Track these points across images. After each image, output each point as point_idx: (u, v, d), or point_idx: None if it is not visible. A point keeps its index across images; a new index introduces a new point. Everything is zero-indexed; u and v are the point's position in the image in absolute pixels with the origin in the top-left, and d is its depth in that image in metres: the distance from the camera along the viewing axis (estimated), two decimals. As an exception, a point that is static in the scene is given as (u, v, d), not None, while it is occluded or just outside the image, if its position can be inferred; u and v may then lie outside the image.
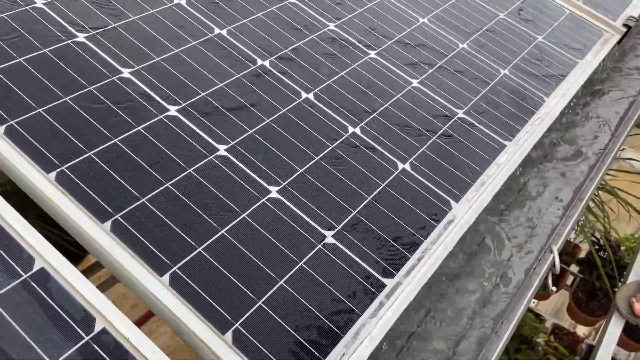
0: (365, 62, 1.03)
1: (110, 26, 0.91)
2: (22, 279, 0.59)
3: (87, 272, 1.38)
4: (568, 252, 2.89)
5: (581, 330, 3.01)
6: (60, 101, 0.77)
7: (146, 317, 1.90)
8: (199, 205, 0.72)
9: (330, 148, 0.86)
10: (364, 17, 1.14)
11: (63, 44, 0.85)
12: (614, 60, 1.43)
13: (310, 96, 0.93)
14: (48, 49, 0.83)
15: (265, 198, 0.76)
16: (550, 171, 1.08)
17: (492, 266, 0.88)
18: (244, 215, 0.73)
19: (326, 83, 0.96)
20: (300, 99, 0.92)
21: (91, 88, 0.80)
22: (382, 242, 0.77)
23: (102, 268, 0.87)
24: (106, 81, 0.82)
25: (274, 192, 0.77)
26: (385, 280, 0.72)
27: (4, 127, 0.71)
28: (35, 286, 0.59)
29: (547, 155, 1.11)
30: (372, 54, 1.06)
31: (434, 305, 0.81)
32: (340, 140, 0.88)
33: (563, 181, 1.07)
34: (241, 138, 0.82)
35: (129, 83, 0.83)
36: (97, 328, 0.58)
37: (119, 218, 0.67)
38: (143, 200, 0.70)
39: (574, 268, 2.75)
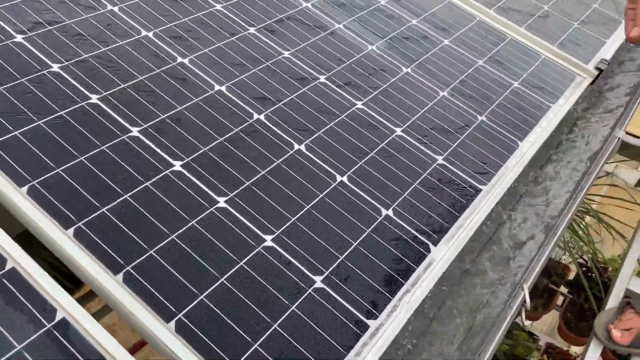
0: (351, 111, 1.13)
1: (120, 87, 1.00)
2: (45, 328, 0.67)
3: (90, 297, 1.46)
4: (558, 273, 2.97)
5: (575, 348, 3.07)
6: (76, 161, 0.85)
7: (144, 342, 1.97)
8: (200, 255, 0.80)
9: (320, 197, 0.95)
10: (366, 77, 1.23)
11: (77, 105, 0.94)
12: (586, 101, 1.52)
13: (302, 147, 1.02)
14: (64, 111, 0.92)
15: (261, 246, 0.84)
16: (522, 212, 1.16)
17: (466, 305, 0.96)
18: (241, 263, 0.81)
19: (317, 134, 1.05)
20: (293, 150, 1.01)
21: (103, 147, 0.89)
22: (367, 285, 0.85)
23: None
24: (116, 140, 0.91)
25: (268, 240, 0.86)
26: (369, 322, 0.80)
27: (26, 187, 0.80)
28: (57, 334, 0.67)
29: (521, 196, 1.20)
30: (359, 104, 1.15)
31: (412, 342, 0.89)
32: (330, 188, 0.97)
33: (536, 219, 1.16)
34: (239, 189, 0.91)
35: (138, 141, 0.92)
36: (112, 372, 0.66)
37: (130, 269, 0.76)
38: (151, 252, 0.78)
39: (564, 289, 2.83)
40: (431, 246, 0.94)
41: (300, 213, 0.91)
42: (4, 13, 1.06)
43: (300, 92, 1.13)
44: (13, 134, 0.86)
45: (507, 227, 1.13)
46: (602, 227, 2.52)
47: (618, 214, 2.67)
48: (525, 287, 0.98)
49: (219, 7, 1.27)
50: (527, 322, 1.03)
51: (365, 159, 1.04)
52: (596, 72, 1.46)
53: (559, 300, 2.83)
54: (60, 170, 0.83)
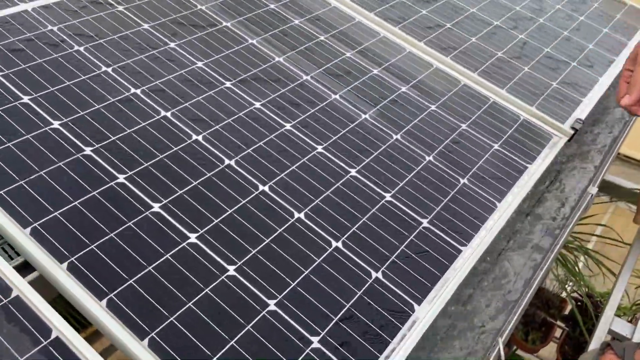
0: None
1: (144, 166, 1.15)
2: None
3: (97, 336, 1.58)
4: (556, 306, 3.06)
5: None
6: (107, 237, 1.00)
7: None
8: (214, 320, 0.94)
9: (316, 262, 1.08)
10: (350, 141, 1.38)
11: (107, 185, 1.09)
12: (565, 155, 1.66)
13: (302, 215, 1.16)
14: (97, 191, 1.06)
15: (265, 311, 0.98)
16: (498, 268, 1.29)
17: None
18: (248, 327, 0.94)
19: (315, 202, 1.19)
20: (293, 219, 1.14)
21: (130, 223, 1.03)
22: (360, 345, 0.97)
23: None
24: (139, 217, 1.05)
25: (272, 304, 0.99)
26: (358, 377, 0.93)
27: (66, 263, 0.94)
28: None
29: (500, 253, 1.32)
30: (353, 171, 1.29)
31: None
32: (326, 253, 1.10)
33: (513, 277, 1.28)
34: (246, 258, 1.04)
35: (157, 215, 1.06)
36: None
37: (154, 336, 0.89)
38: (171, 319, 0.92)
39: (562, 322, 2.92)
40: (415, 305, 1.07)
41: (300, 278, 1.04)
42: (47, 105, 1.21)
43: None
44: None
45: (485, 282, 1.25)
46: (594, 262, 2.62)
47: (615, 251, 2.77)
48: (500, 340, 1.10)
49: (228, 84, 1.43)
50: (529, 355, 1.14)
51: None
52: (572, 132, 1.60)
53: (558, 332, 2.91)
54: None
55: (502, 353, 1.09)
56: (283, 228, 1.12)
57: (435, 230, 1.22)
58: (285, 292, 1.01)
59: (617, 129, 1.82)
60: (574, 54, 1.96)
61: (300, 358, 0.93)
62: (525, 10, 2.16)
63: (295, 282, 1.03)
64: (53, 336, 0.85)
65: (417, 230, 1.21)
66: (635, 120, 2.00)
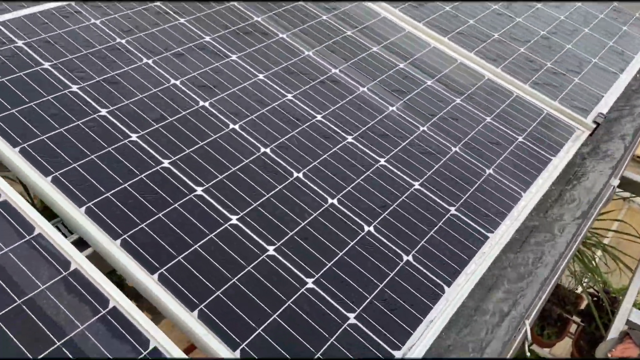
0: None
1: (219, 178, 1.21)
2: (142, 355, 0.86)
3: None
4: (572, 302, 3.09)
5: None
6: (191, 249, 1.05)
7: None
8: (257, 296, 0.99)
9: (350, 245, 1.13)
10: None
11: (185, 198, 1.15)
12: (585, 152, 1.69)
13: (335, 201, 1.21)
14: (177, 203, 1.13)
15: (304, 288, 1.03)
16: (524, 255, 1.33)
17: (475, 340, 1.13)
18: (289, 302, 1.00)
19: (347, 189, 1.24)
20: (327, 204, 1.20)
21: (212, 235, 1.08)
22: (392, 321, 1.03)
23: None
24: (220, 230, 1.11)
25: (309, 282, 1.04)
26: (394, 352, 0.98)
27: (157, 274, 1.00)
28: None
29: (525, 241, 1.36)
30: (382, 160, 1.34)
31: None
32: (358, 237, 1.15)
33: (539, 262, 1.32)
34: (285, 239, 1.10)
35: (237, 228, 1.12)
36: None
37: (203, 308, 0.95)
38: (218, 293, 0.98)
39: (577, 318, 2.94)
40: (445, 287, 1.11)
41: (335, 259, 1.10)
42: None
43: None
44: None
45: (511, 268, 1.30)
46: (609, 258, 2.64)
47: (630, 248, 2.79)
48: (527, 322, 1.14)
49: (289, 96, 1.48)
50: (528, 354, 1.18)
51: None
52: (594, 126, 1.64)
53: (573, 328, 2.94)
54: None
55: (528, 334, 1.14)
56: (318, 213, 1.18)
57: (463, 218, 1.27)
58: (322, 271, 1.07)
59: (638, 121, 1.85)
60: (596, 51, 2.00)
61: (338, 332, 0.98)
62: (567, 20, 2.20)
63: (331, 263, 1.09)
64: (110, 306, 0.91)
65: (445, 217, 1.26)
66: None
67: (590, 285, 2.84)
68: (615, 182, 1.58)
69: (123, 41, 1.45)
